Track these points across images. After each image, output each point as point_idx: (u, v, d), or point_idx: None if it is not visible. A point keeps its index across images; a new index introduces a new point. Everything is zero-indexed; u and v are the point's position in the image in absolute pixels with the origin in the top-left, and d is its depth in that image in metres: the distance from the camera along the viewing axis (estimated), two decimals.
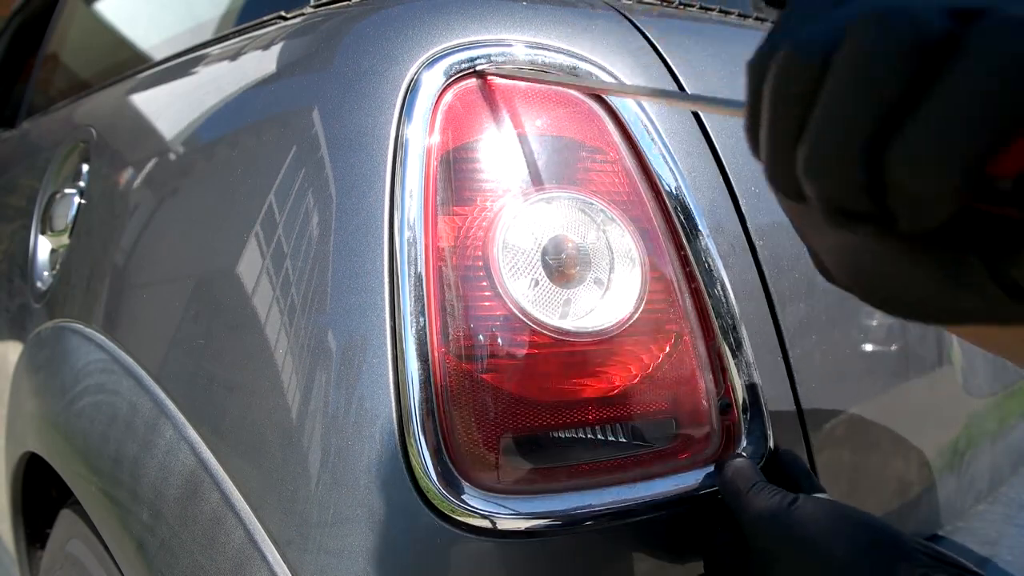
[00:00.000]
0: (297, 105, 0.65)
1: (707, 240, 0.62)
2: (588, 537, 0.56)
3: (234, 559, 0.59)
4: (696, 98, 0.60)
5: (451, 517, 0.54)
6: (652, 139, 0.62)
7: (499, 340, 0.56)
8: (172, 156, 0.82)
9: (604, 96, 0.62)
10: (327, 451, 0.55)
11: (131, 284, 0.82)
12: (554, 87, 0.61)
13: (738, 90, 0.71)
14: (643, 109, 0.63)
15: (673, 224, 0.63)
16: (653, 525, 0.59)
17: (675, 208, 0.62)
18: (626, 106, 0.63)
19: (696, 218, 0.62)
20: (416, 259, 0.55)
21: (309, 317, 0.58)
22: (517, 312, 0.56)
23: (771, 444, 0.61)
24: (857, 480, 0.73)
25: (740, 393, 0.61)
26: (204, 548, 0.61)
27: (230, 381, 0.63)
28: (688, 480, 0.59)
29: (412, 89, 0.58)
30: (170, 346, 0.71)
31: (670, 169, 0.62)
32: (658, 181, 0.62)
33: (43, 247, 1.08)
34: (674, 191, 0.62)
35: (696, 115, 0.67)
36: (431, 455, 0.53)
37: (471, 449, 0.55)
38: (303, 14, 0.77)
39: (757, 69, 0.31)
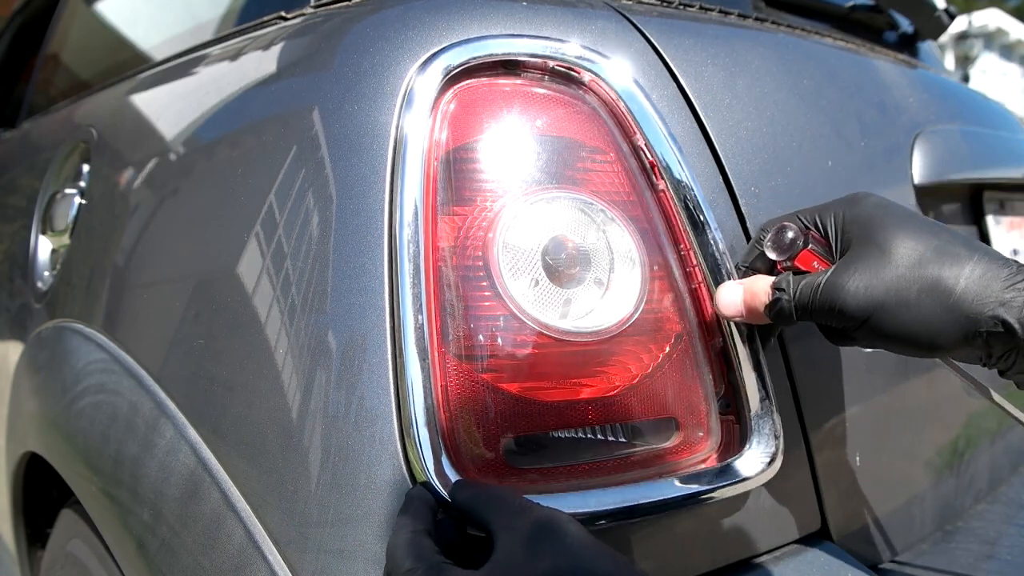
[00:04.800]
0: (297, 105, 0.65)
1: (715, 233, 0.62)
2: None
3: (234, 559, 0.59)
4: None
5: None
6: (661, 133, 0.62)
7: (499, 340, 0.56)
8: (172, 156, 0.82)
9: (612, 87, 0.62)
10: (327, 451, 0.55)
11: (132, 284, 0.82)
12: None
13: (738, 91, 0.72)
14: (652, 104, 0.63)
15: (674, 223, 0.63)
16: (655, 525, 0.59)
17: (682, 201, 0.61)
18: (634, 99, 0.62)
19: (705, 211, 0.62)
20: (416, 259, 0.55)
21: (309, 317, 0.58)
22: (517, 312, 0.56)
23: (780, 443, 0.61)
24: (857, 480, 0.73)
25: (750, 393, 0.61)
26: (204, 548, 0.61)
27: (230, 381, 0.63)
28: (686, 481, 0.58)
29: (412, 89, 0.58)
30: (171, 346, 0.71)
31: (678, 162, 0.62)
32: (665, 175, 0.62)
33: (44, 247, 1.08)
34: (683, 183, 0.62)
35: (696, 115, 0.67)
36: (431, 455, 0.53)
37: (471, 449, 0.55)
38: (303, 14, 0.77)
39: None
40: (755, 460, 0.60)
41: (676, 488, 0.57)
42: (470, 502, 0.50)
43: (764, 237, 0.61)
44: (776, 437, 0.61)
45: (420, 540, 0.47)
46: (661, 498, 0.56)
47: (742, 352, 0.61)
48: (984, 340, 0.52)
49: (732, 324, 0.61)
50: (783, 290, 0.57)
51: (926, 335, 0.53)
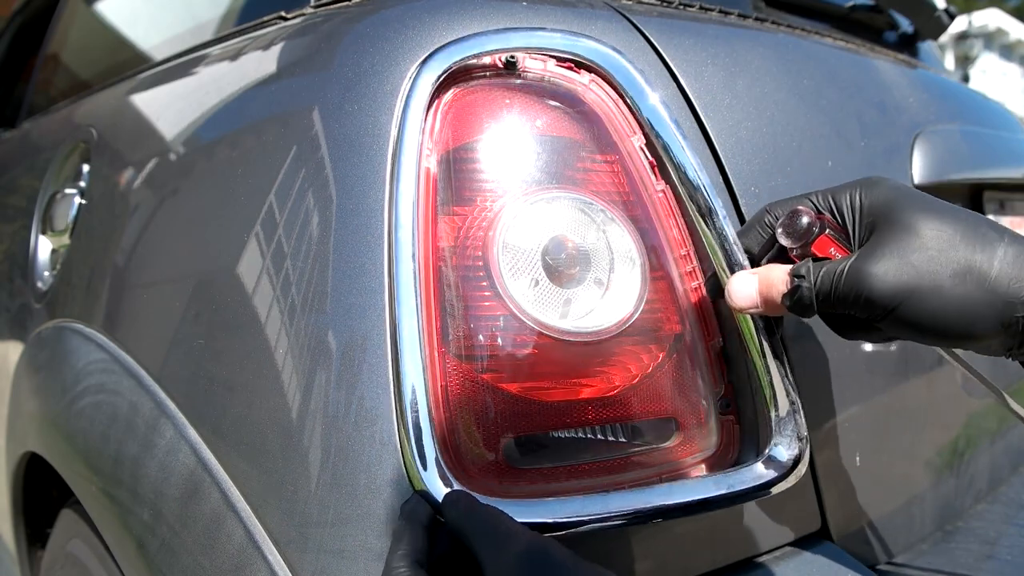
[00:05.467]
0: (297, 105, 0.65)
1: (724, 223, 0.60)
2: (586, 542, 0.56)
3: (234, 559, 0.59)
4: None
5: None
6: (671, 129, 0.61)
7: (499, 340, 0.56)
8: (172, 156, 0.82)
9: (611, 87, 0.62)
10: (327, 451, 0.55)
11: (131, 284, 0.82)
12: None
13: (738, 91, 0.72)
14: (652, 104, 0.63)
15: (674, 223, 0.63)
16: (655, 526, 0.59)
17: (682, 201, 0.61)
18: (634, 99, 0.62)
19: (712, 201, 0.60)
20: (412, 259, 0.55)
21: (309, 317, 0.58)
22: (517, 312, 0.56)
23: (805, 446, 0.59)
24: (857, 480, 0.73)
25: (778, 395, 0.60)
26: (204, 548, 0.61)
27: (230, 381, 0.63)
28: (687, 484, 0.58)
29: (412, 89, 0.58)
30: (171, 346, 0.71)
31: (677, 161, 0.61)
32: (665, 175, 0.61)
33: (44, 247, 1.08)
34: (682, 183, 0.61)
35: (696, 115, 0.67)
36: (431, 455, 0.52)
37: (471, 449, 0.55)
38: (303, 14, 0.77)
39: None
40: (778, 462, 0.58)
41: (704, 489, 0.56)
42: (458, 523, 0.49)
43: (768, 220, 0.58)
44: (800, 439, 0.58)
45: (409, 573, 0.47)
46: (665, 503, 0.55)
47: (768, 352, 0.59)
48: (1021, 327, 0.48)
49: (748, 325, 0.59)
50: (803, 277, 0.53)
51: (962, 322, 0.49)
